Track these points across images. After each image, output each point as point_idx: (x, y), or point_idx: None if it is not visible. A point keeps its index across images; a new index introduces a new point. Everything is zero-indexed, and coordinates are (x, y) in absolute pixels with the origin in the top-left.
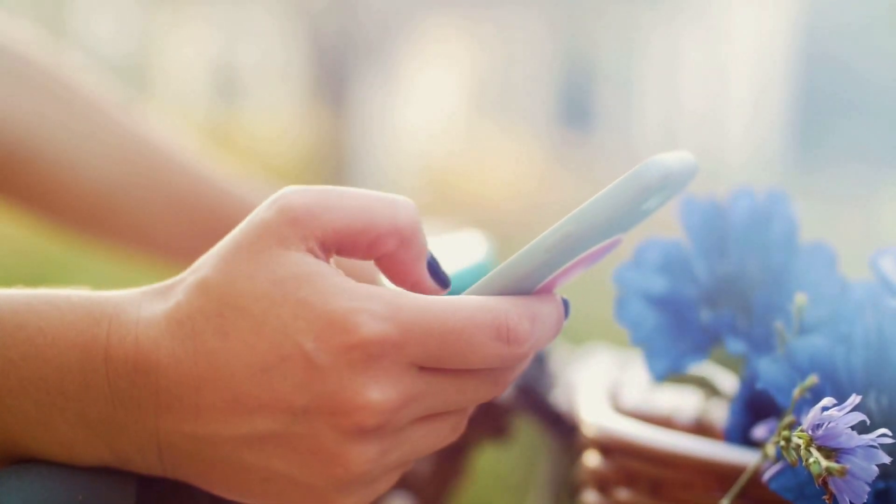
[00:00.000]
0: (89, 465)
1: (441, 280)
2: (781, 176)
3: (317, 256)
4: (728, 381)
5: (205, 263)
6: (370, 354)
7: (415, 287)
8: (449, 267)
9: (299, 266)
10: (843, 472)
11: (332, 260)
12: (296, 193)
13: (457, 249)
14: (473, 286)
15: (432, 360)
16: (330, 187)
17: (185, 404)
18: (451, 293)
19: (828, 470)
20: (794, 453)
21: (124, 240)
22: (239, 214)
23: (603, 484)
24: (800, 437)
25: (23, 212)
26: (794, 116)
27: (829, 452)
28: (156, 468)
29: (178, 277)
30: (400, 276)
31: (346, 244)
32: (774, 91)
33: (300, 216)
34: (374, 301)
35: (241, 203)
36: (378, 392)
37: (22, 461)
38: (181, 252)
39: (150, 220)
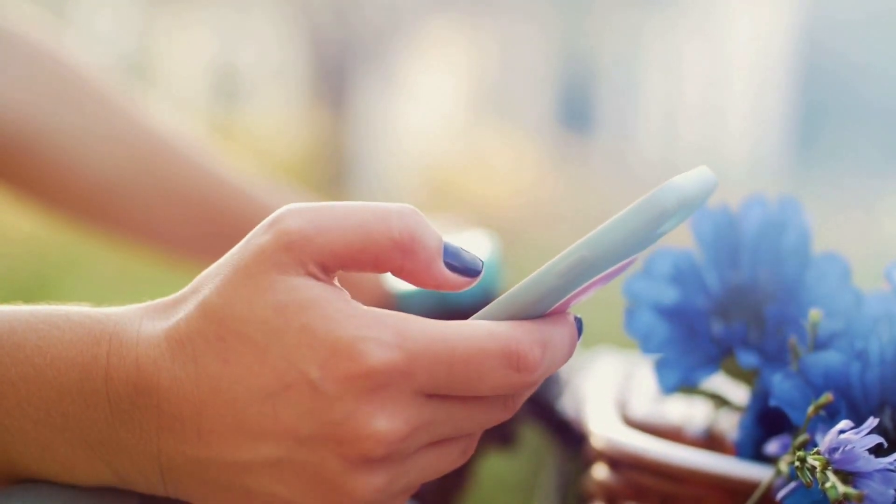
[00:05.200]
0: (90, 485)
1: (467, 271)
2: (782, 179)
3: (318, 279)
4: (739, 393)
5: (205, 283)
6: (377, 383)
7: (440, 288)
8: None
9: (300, 291)
10: (860, 499)
11: (335, 278)
12: (291, 215)
13: None
14: (483, 310)
15: (441, 387)
16: (326, 205)
17: (186, 427)
18: (453, 294)
19: (845, 495)
20: (809, 474)
21: (125, 229)
22: (241, 207)
23: (611, 497)
24: (816, 460)
25: (24, 200)
26: (795, 119)
27: (846, 476)
28: (158, 489)
29: (179, 294)
30: (418, 284)
31: (347, 263)
32: (775, 93)
33: (295, 241)
34: (381, 328)
35: (243, 196)
36: (385, 422)
37: (22, 481)
38: (182, 243)
39: (151, 209)
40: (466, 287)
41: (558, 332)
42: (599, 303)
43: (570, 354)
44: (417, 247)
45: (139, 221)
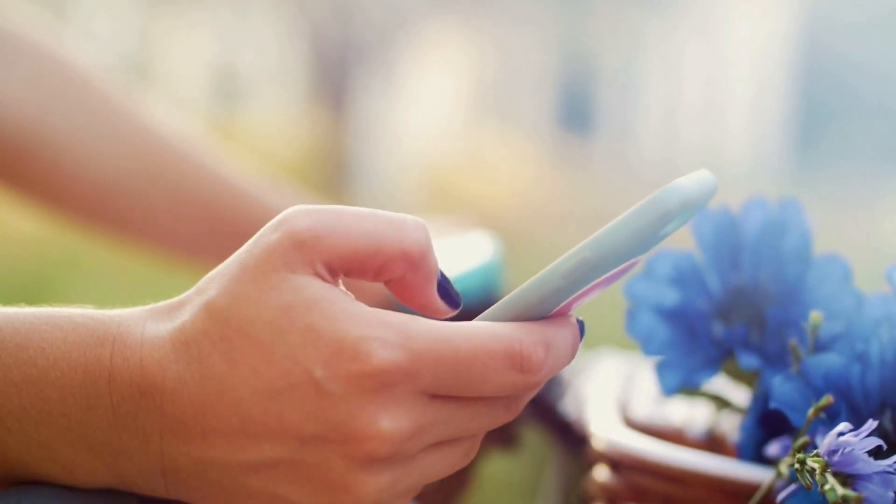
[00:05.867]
0: (91, 487)
1: (452, 301)
2: (783, 179)
3: (324, 280)
4: (740, 394)
5: (210, 284)
6: (381, 383)
7: (424, 309)
8: (458, 283)
9: (306, 291)
10: (859, 501)
11: (340, 281)
12: (302, 215)
13: (464, 250)
14: (486, 312)
15: (444, 388)
16: (338, 208)
17: (190, 428)
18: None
19: (844, 497)
20: (808, 477)
21: (128, 230)
22: (244, 208)
23: (612, 499)
24: (815, 462)
25: (27, 202)
26: (795, 119)
27: (846, 479)
28: (159, 491)
29: (183, 296)
30: (408, 299)
31: (353, 268)
32: (775, 94)
33: (306, 240)
34: (386, 328)
35: (246, 196)
36: (389, 421)
37: (23, 483)
38: (184, 243)
39: (153, 209)
40: (445, 316)
41: (561, 334)
42: (601, 304)
43: (572, 356)
44: (423, 263)
45: (141, 222)
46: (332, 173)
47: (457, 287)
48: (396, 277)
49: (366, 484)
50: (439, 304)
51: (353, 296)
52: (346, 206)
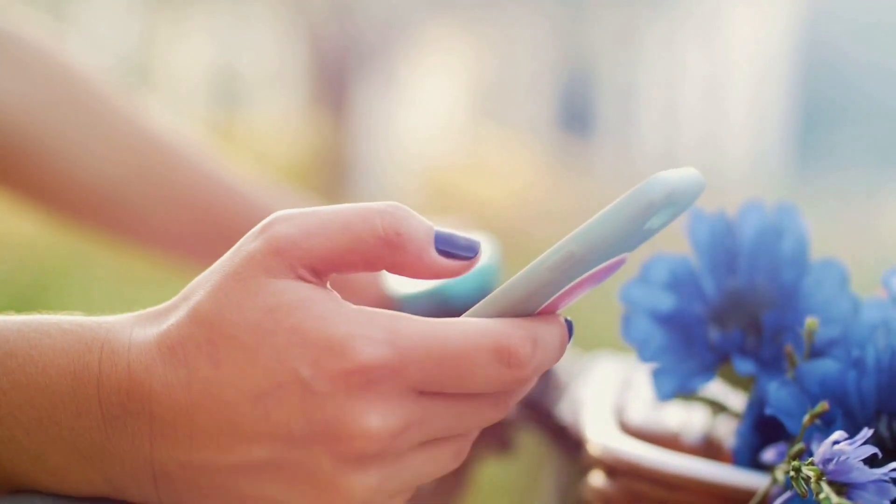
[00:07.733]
0: (83, 495)
1: (463, 253)
2: (783, 179)
3: (308, 282)
4: (737, 399)
5: (196, 290)
6: (369, 380)
7: (438, 276)
8: (456, 286)
9: (288, 293)
10: None
11: (328, 281)
12: (280, 222)
13: None
14: (474, 308)
15: (432, 384)
16: (314, 210)
17: (178, 432)
18: (454, 296)
19: None
20: (804, 485)
21: (126, 233)
22: (243, 211)
23: None
24: (810, 470)
25: (25, 203)
26: (796, 118)
27: (841, 487)
28: (151, 496)
29: (171, 302)
30: (415, 276)
31: (338, 265)
32: (774, 96)
33: (283, 246)
34: (372, 325)
35: (245, 199)
36: (377, 418)
37: (14, 492)
38: (183, 246)
39: (152, 212)
40: (467, 271)
41: (548, 330)
42: (597, 307)
43: (560, 353)
44: (404, 240)
45: (139, 224)
46: (332, 175)
47: (454, 290)
48: (390, 262)
49: (355, 483)
50: (448, 265)
51: (338, 295)
52: (336, 203)
